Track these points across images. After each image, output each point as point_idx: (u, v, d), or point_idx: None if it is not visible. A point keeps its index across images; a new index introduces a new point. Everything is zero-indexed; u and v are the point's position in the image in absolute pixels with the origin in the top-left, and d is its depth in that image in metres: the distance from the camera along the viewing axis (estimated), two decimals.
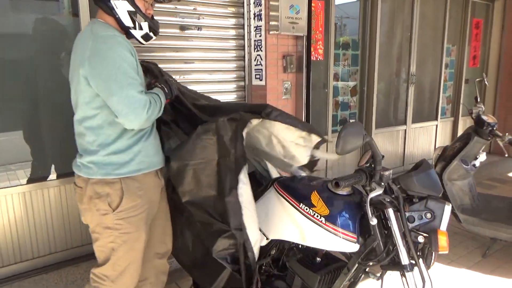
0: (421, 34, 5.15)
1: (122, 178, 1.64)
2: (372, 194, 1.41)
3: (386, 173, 1.44)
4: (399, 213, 1.45)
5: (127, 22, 1.65)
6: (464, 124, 6.03)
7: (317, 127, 4.24)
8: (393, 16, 4.92)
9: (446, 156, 3.30)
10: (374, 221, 1.39)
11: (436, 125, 5.63)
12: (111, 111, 1.56)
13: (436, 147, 5.53)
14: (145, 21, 1.69)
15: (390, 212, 1.46)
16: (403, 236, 1.45)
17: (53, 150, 2.73)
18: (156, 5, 1.85)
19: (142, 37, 1.73)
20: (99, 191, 1.63)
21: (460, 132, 5.93)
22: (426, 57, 5.36)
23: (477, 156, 3.25)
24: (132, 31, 1.68)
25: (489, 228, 3.01)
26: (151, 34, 1.74)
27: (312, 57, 3.70)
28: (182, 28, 3.10)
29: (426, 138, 5.57)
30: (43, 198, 2.70)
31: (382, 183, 1.43)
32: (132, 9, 1.63)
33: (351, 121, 4.76)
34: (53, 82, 2.68)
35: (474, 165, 3.24)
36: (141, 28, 1.69)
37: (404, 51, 5.08)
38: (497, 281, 2.81)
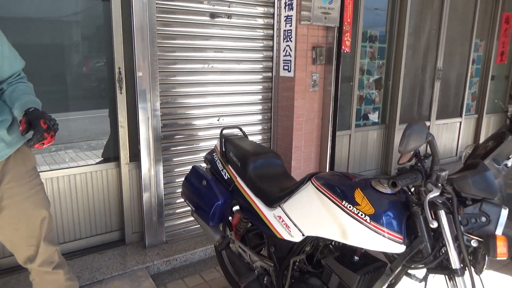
0: (450, 28, 5.01)
1: None
2: (431, 195, 1.35)
3: (443, 173, 1.37)
4: (451, 216, 1.40)
5: None
6: (488, 121, 5.89)
7: (340, 121, 4.18)
8: (422, 8, 4.79)
9: (478, 154, 3.22)
10: (435, 224, 1.34)
11: (460, 122, 5.51)
12: None
13: (464, 144, 5.43)
14: None
15: (442, 214, 1.40)
16: (455, 239, 1.40)
17: None
18: None
19: None
20: None
21: (483, 129, 5.80)
22: (453, 51, 5.22)
23: (510, 156, 3.16)
24: None
25: None
26: None
27: None
28: (212, 15, 3.04)
29: (450, 135, 5.46)
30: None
31: (439, 184, 1.37)
32: None
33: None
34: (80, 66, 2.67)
35: (506, 165, 3.14)
36: None
37: (431, 45, 4.95)
38: None
